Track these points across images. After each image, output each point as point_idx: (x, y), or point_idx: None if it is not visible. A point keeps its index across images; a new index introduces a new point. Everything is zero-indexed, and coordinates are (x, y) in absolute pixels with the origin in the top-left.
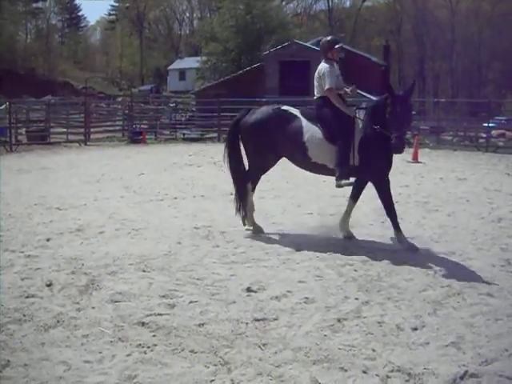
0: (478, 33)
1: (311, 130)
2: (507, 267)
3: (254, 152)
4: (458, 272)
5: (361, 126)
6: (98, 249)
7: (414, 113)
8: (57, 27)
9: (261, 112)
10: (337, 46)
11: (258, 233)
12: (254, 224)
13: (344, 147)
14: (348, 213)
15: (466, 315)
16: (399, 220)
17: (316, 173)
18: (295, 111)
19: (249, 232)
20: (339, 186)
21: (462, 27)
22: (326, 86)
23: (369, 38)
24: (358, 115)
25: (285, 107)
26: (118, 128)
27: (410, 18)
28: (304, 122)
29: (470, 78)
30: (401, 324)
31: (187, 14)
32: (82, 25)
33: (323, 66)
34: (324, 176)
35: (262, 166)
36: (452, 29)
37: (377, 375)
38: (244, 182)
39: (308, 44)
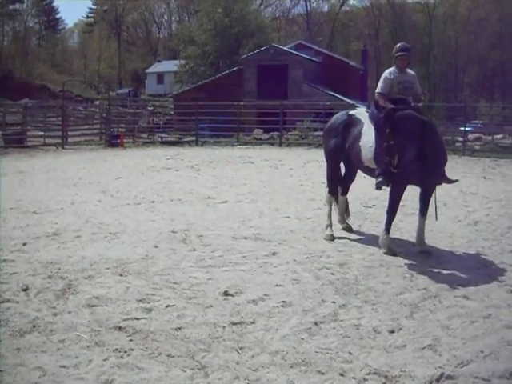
0: (454, 37)
1: (368, 135)
2: (483, 270)
3: (325, 156)
4: (434, 275)
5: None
6: (75, 253)
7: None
8: (34, 30)
9: (332, 118)
10: (398, 54)
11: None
12: (330, 226)
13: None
14: (420, 230)
15: (442, 318)
16: (376, 223)
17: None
18: (363, 115)
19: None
20: (376, 186)
21: (439, 32)
22: (376, 90)
23: (347, 42)
24: None
25: (353, 111)
26: (95, 131)
27: (387, 23)
28: (366, 126)
29: (446, 82)
30: (378, 327)
31: (166, 18)
32: (60, 27)
33: (385, 71)
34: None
35: (332, 170)
36: (429, 33)
37: (354, 378)
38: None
39: (286, 48)
